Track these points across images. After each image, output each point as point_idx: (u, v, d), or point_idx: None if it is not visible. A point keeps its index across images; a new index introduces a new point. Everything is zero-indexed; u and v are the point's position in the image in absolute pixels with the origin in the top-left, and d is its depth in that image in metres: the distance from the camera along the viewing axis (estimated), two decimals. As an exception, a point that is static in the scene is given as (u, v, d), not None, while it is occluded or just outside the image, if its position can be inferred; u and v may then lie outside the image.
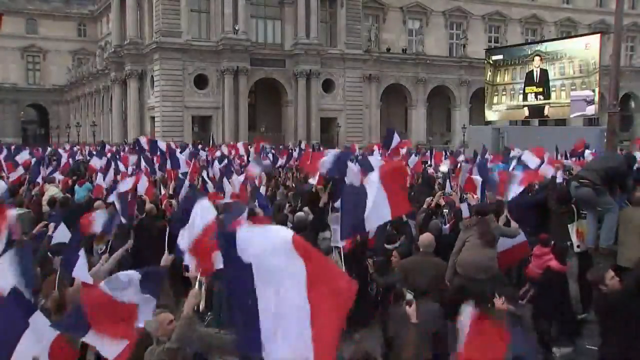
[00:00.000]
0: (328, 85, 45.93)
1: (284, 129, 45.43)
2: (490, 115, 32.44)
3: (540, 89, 28.86)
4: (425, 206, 8.48)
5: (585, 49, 27.09)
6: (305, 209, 8.61)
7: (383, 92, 48.70)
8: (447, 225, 8.09)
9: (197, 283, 4.34)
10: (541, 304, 6.28)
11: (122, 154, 19.97)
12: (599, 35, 27.54)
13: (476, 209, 7.11)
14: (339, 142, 41.94)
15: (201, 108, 42.36)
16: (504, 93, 31.39)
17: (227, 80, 41.88)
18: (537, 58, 28.75)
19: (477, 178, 9.11)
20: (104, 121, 54.86)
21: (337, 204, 8.85)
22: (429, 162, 18.24)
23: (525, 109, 29.95)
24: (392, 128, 15.33)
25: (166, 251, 5.15)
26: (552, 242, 6.85)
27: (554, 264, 6.42)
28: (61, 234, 5.85)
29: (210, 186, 10.93)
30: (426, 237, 6.32)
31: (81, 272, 4.44)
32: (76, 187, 12.67)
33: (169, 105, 41.25)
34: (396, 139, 12.86)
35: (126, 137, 44.74)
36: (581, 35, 27.39)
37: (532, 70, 29.08)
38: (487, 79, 32.48)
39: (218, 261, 4.36)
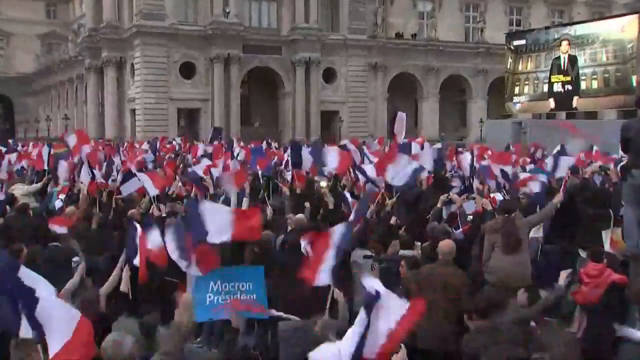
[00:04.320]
0: (329, 75, 45.97)
1: (281, 124, 45.47)
2: (511, 107, 32.49)
3: (568, 78, 28.90)
4: (439, 205, 8.52)
5: (621, 31, 27.08)
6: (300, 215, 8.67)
7: (390, 82, 48.79)
8: (460, 230, 8.11)
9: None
10: (603, 331, 5.46)
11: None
12: (637, 15, 27.43)
13: (501, 207, 7.13)
14: (341, 138, 41.92)
15: (188, 100, 42.40)
16: (526, 83, 31.46)
17: (217, 69, 41.91)
18: (564, 43, 28.78)
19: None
20: (77, 114, 54.80)
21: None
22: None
23: (551, 100, 30.00)
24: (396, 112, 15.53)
25: None
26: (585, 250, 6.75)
27: (618, 278, 5.85)
28: None
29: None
30: (445, 244, 6.27)
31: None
32: (50, 189, 12.57)
33: (152, 97, 41.26)
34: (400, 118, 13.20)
35: (103, 133, 44.68)
36: (616, 17, 27.36)
37: (559, 57, 29.13)
38: (508, 67, 32.55)
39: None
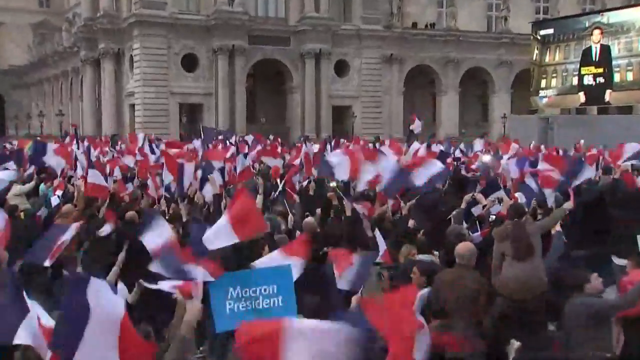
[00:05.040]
0: (341, 68, 46.00)
1: (289, 120, 45.52)
2: (537, 102, 32.38)
3: (601, 70, 28.74)
4: (463, 205, 8.50)
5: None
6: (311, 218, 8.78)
7: (406, 75, 48.75)
8: (479, 233, 8.09)
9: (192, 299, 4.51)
10: None
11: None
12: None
13: (510, 211, 7.08)
14: (354, 135, 41.91)
15: (190, 94, 42.54)
16: (554, 75, 31.34)
17: (221, 61, 42.02)
18: (596, 32, 28.61)
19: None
20: (73, 110, 55.12)
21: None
22: (461, 160, 18.29)
23: (581, 94, 29.86)
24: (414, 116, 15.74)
25: None
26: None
27: None
28: None
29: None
30: (463, 247, 6.21)
31: None
32: (43, 186, 12.71)
33: (152, 91, 41.46)
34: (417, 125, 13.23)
35: (101, 129, 44.97)
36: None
37: (590, 47, 28.98)
38: (534, 59, 32.47)
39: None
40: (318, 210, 9.81)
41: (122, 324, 3.55)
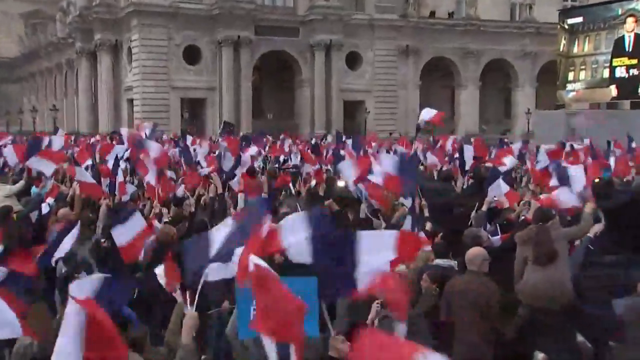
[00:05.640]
0: (353, 60, 46.05)
1: (297, 116, 45.58)
2: (563, 96, 32.22)
3: (634, 61, 28.60)
4: (484, 207, 8.45)
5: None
6: None
7: (423, 68, 48.80)
8: (499, 237, 8.05)
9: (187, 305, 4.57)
10: None
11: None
12: None
13: (536, 214, 7.05)
14: (366, 131, 41.91)
15: (192, 89, 42.71)
16: (582, 67, 31.17)
17: (225, 54, 42.13)
18: (630, 19, 28.42)
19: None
20: (67, 105, 55.49)
21: None
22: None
23: (613, 87, 29.67)
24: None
25: None
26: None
27: None
28: None
29: None
30: (473, 252, 6.23)
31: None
32: (33, 188, 12.71)
33: (152, 85, 41.64)
34: (429, 113, 13.17)
35: (97, 126, 45.17)
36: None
37: (623, 36, 28.80)
38: (560, 50, 32.31)
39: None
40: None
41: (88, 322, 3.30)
